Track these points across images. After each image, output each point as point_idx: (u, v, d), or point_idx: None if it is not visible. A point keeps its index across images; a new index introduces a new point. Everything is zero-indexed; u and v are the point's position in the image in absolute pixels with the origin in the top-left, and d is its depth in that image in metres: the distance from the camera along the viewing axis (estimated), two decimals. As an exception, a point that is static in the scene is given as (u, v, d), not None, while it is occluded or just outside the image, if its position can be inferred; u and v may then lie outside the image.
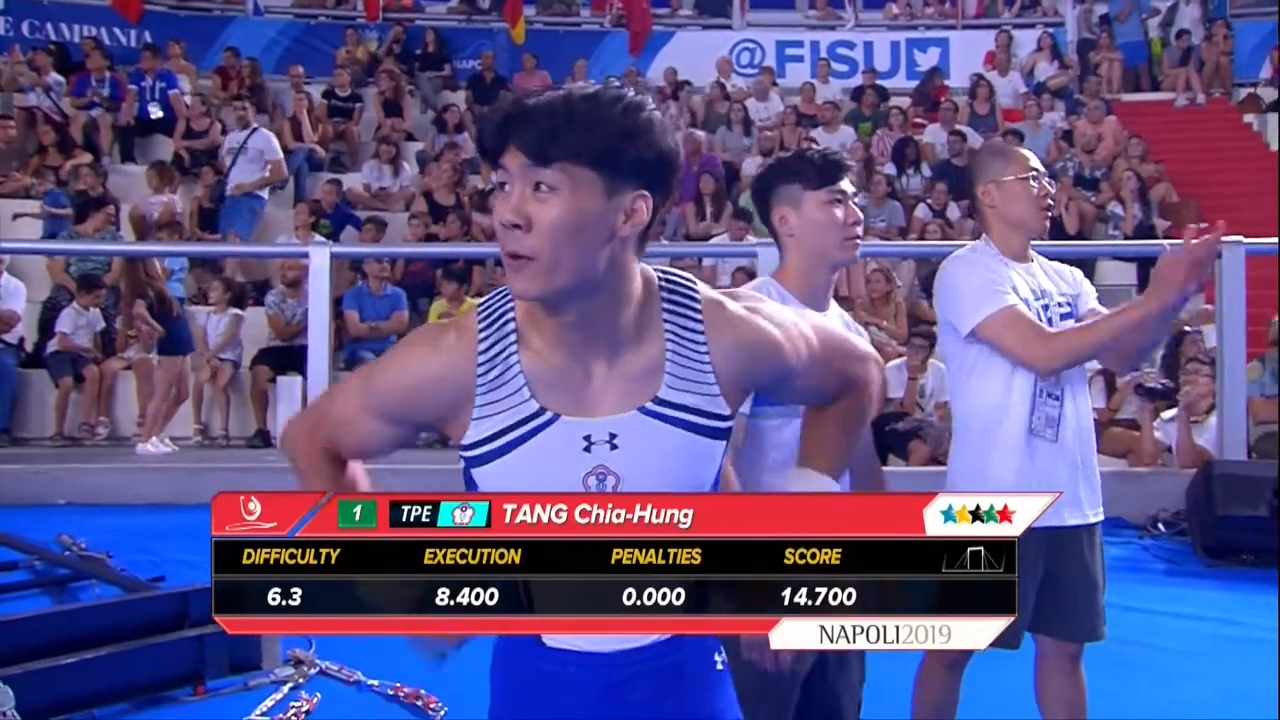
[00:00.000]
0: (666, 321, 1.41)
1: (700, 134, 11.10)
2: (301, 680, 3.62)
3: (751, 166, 10.84)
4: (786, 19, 14.66)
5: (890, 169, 10.87)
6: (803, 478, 1.58)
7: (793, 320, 1.50)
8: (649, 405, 1.39)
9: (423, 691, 3.47)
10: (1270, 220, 7.79)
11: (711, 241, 9.44)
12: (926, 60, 13.82)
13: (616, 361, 1.39)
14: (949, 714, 2.81)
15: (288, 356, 7.71)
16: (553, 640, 1.45)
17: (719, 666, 1.53)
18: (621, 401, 1.39)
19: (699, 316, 1.42)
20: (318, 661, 3.71)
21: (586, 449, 1.38)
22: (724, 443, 1.45)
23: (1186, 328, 7.15)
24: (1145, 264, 9.26)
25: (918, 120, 12.01)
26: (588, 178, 1.32)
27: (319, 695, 3.52)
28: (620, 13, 13.93)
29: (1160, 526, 5.66)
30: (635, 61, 13.48)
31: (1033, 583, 2.62)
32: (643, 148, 1.33)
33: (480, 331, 1.41)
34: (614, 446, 1.38)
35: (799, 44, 14.19)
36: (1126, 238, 9.71)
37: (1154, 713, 3.48)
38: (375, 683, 3.59)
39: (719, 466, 1.47)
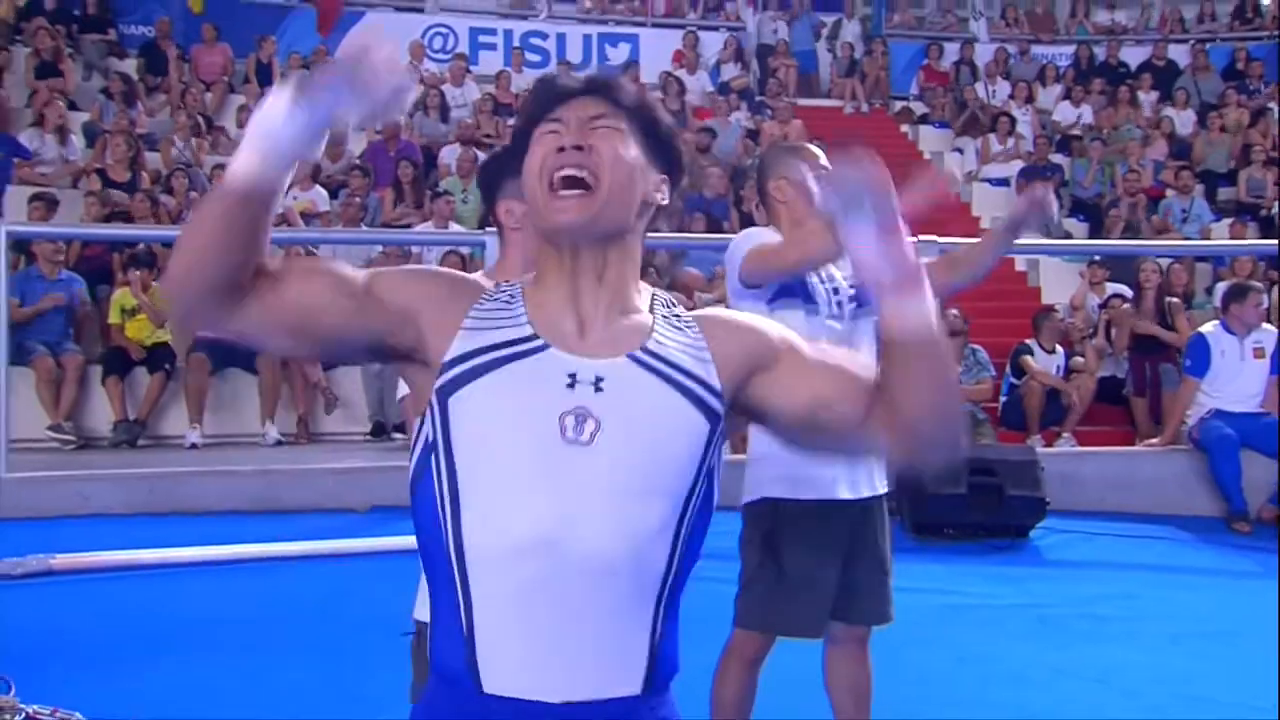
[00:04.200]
0: (656, 310, 1.44)
1: (400, 118, 10.74)
2: (1, 731, 3.15)
3: (450, 154, 10.62)
4: (479, 5, 14.55)
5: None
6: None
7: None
8: (638, 353, 1.37)
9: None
10: (925, 221, 8.55)
11: (417, 229, 9.15)
12: (617, 55, 14.10)
13: (612, 319, 1.40)
14: (746, 711, 2.82)
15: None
16: (492, 685, 1.30)
17: None
18: (612, 348, 1.37)
19: (683, 313, 1.46)
20: (21, 706, 3.23)
21: (570, 385, 1.33)
22: (713, 429, 1.35)
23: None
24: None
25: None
26: (638, 140, 1.42)
27: (28, 746, 3.06)
28: (309, -12, 13.27)
29: (872, 506, 6.00)
30: (324, 40, 12.86)
31: (836, 570, 2.67)
32: (674, 137, 1.47)
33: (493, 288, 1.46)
34: (599, 389, 1.34)
35: (492, 32, 14.12)
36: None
37: (896, 681, 3.66)
38: (104, 722, 3.18)
39: (704, 464, 1.36)
